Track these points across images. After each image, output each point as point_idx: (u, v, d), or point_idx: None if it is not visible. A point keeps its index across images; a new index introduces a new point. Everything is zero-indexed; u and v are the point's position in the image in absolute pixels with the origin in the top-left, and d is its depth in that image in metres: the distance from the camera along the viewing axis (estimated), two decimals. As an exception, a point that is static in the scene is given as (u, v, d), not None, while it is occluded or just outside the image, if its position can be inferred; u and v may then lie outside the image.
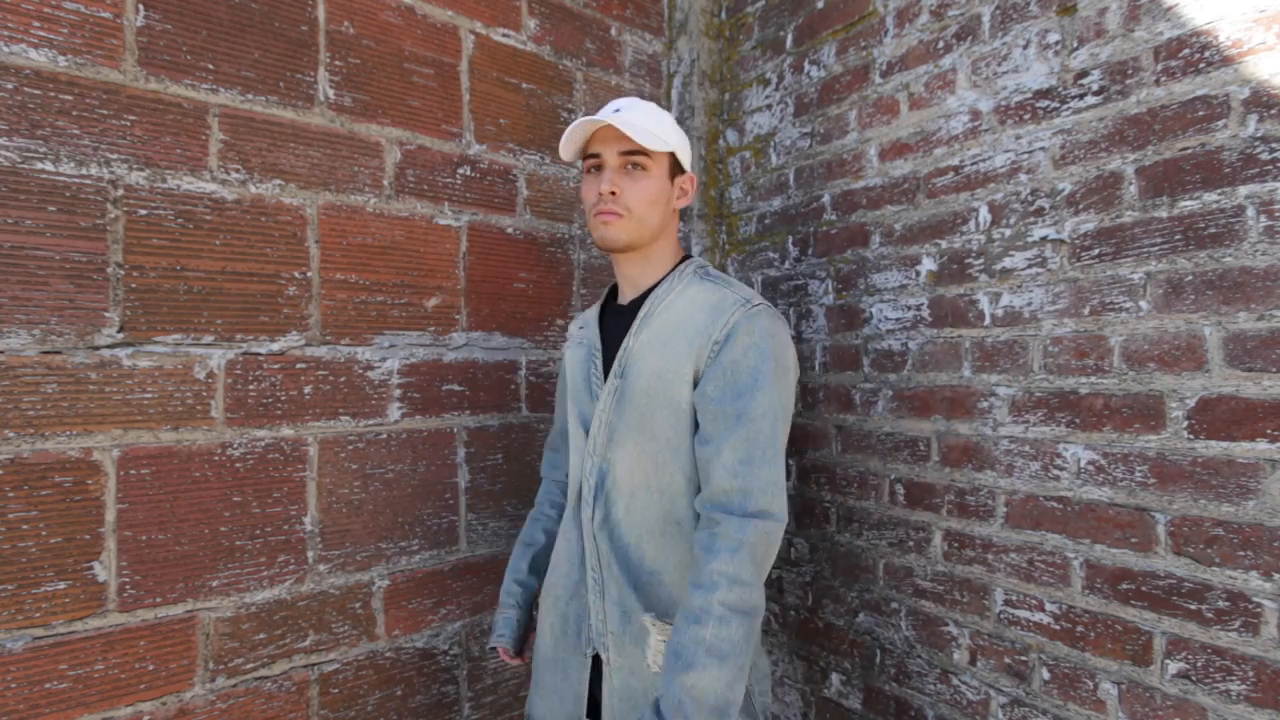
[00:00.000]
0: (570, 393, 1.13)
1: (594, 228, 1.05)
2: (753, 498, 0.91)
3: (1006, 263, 1.16)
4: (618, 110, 1.03)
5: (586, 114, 1.56)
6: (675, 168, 1.08)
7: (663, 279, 1.08)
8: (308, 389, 1.17)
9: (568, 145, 1.05)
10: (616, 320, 1.12)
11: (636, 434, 1.02)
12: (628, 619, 1.00)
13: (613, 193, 1.02)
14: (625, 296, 1.12)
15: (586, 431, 1.08)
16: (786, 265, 1.56)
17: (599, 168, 1.05)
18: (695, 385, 0.99)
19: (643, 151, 1.03)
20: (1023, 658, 1.13)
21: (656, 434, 1.01)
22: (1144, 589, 1.00)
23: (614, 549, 1.02)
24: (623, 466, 1.03)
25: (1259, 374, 0.90)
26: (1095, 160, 1.05)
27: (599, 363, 1.09)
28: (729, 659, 0.86)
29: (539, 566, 1.24)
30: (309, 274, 1.17)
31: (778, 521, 0.92)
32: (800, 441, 1.52)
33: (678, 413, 0.99)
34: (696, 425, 1.00)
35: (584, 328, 1.17)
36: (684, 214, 1.72)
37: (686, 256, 1.12)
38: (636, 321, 1.06)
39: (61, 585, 0.96)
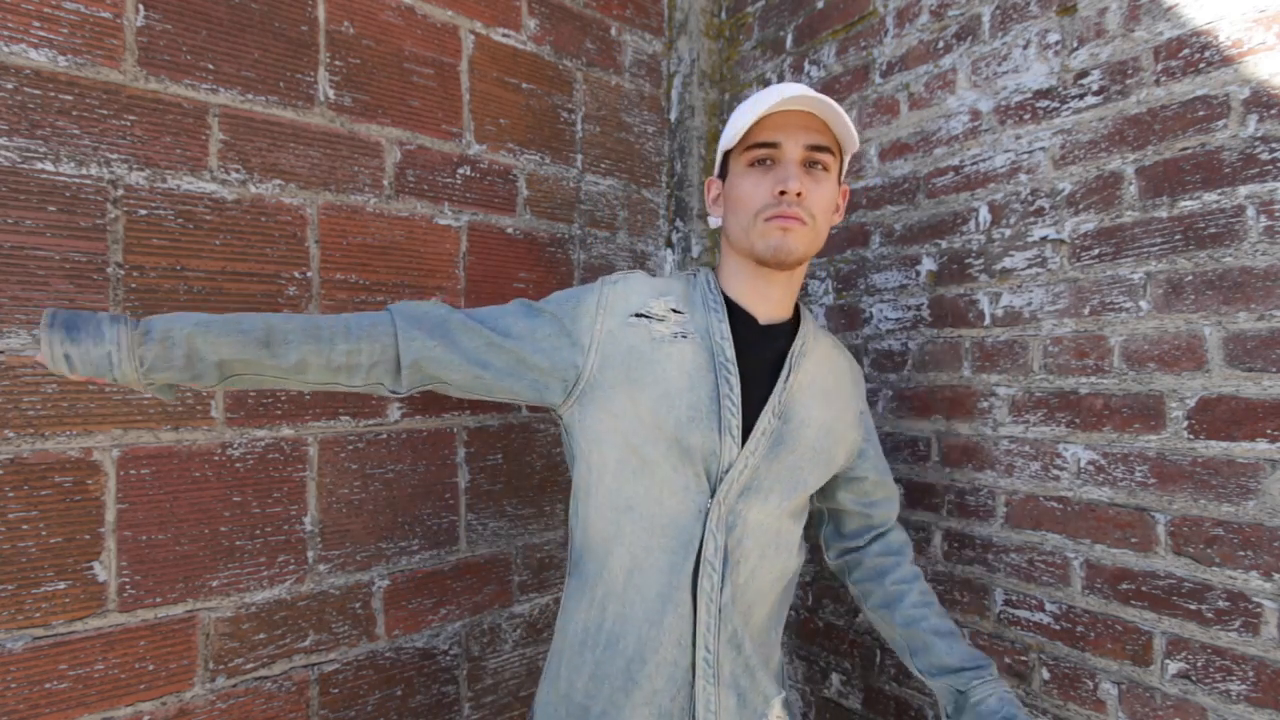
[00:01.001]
0: (664, 402, 0.84)
1: (763, 234, 0.83)
2: None
3: (1006, 263, 1.16)
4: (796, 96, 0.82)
5: (586, 114, 1.56)
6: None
7: (802, 315, 0.96)
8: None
9: (736, 126, 0.84)
10: (748, 337, 0.89)
11: (784, 486, 0.87)
12: (744, 702, 0.86)
13: (799, 193, 0.82)
14: (761, 315, 0.91)
15: (706, 469, 0.85)
16: (786, 265, 1.56)
17: (772, 160, 0.84)
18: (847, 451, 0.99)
19: (829, 149, 0.84)
20: (1023, 658, 1.13)
21: (807, 489, 0.91)
22: (1144, 589, 1.00)
23: (741, 621, 0.86)
24: (756, 521, 0.86)
25: (1259, 374, 0.90)
26: (1095, 160, 1.05)
27: (735, 384, 0.85)
28: None
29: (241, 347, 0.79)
30: (309, 274, 1.17)
31: None
32: (800, 441, 1.52)
33: (830, 472, 0.95)
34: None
35: (684, 313, 0.88)
36: (683, 213, 1.70)
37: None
38: (791, 358, 0.89)
39: (61, 585, 0.96)
